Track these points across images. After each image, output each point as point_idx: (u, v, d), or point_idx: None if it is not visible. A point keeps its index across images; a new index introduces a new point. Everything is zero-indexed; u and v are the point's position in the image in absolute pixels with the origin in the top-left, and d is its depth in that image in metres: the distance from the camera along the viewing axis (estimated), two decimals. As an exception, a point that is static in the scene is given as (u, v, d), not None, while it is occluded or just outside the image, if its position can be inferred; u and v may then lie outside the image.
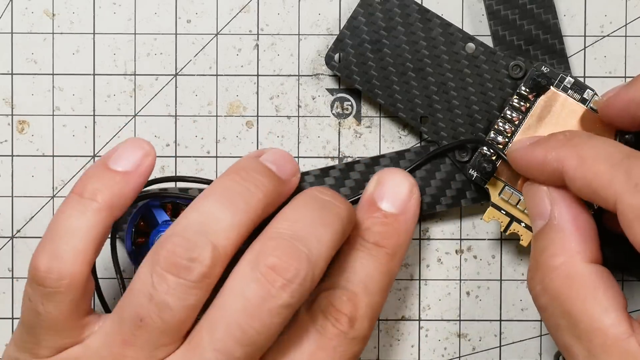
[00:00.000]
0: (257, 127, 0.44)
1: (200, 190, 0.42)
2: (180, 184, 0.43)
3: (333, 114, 0.44)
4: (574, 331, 0.36)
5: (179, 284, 0.35)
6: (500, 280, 0.44)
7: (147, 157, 0.38)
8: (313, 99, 0.44)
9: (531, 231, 0.42)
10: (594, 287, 0.36)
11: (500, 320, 0.44)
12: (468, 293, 0.44)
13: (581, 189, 0.36)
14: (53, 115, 0.44)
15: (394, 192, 0.40)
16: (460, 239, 0.44)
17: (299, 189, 0.40)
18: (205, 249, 0.36)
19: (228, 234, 0.36)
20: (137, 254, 0.42)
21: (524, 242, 0.42)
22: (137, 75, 0.44)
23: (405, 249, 0.40)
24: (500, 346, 0.44)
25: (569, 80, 0.42)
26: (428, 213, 0.43)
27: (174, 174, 0.44)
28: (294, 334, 0.38)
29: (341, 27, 0.43)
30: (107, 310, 0.42)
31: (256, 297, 0.35)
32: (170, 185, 0.43)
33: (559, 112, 0.42)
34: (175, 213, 0.42)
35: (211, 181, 0.40)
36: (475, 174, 0.42)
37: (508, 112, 0.42)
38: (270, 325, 0.36)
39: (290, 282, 0.35)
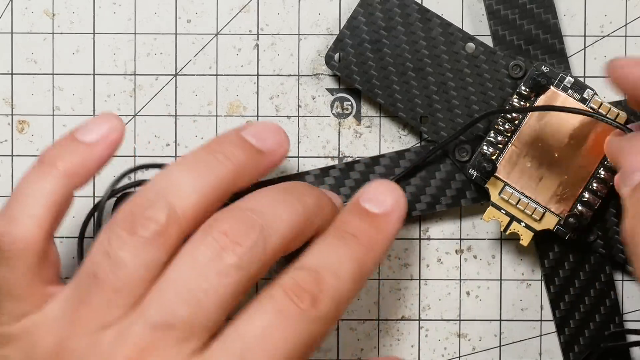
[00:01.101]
0: (257, 127, 0.44)
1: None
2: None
3: (333, 113, 0.44)
4: None
5: (133, 240, 0.36)
6: (500, 280, 0.44)
7: (114, 131, 0.39)
8: (313, 98, 0.44)
9: (531, 231, 0.42)
10: None
11: (500, 320, 0.44)
12: (468, 293, 0.44)
13: None
14: (53, 115, 0.44)
15: (379, 199, 0.40)
16: (460, 239, 0.44)
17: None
18: (162, 209, 0.36)
19: (189, 197, 0.36)
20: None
21: (524, 242, 0.42)
22: (137, 75, 0.44)
23: (383, 249, 0.39)
24: (500, 346, 0.44)
25: (568, 80, 0.42)
26: (428, 213, 0.43)
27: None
28: (252, 308, 0.38)
29: (341, 27, 0.43)
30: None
31: (204, 257, 0.36)
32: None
33: (558, 112, 0.42)
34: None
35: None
36: (475, 174, 0.42)
37: (508, 112, 0.42)
38: (217, 286, 0.35)
39: (239, 244, 0.36)
